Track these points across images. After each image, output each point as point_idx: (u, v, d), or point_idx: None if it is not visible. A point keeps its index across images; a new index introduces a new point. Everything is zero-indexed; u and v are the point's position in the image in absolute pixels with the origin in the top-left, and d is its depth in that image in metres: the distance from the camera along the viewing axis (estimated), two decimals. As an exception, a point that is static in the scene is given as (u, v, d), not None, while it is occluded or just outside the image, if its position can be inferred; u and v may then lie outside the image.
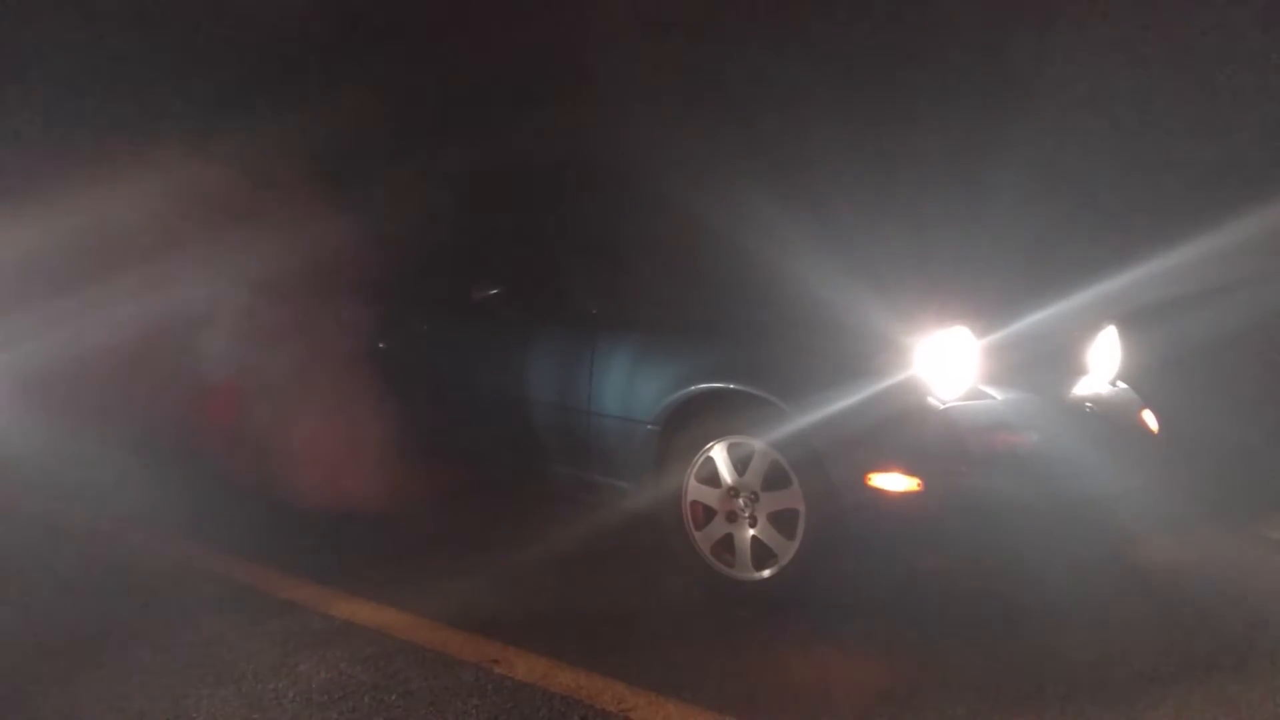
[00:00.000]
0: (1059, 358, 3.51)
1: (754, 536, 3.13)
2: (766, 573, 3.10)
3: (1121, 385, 3.64)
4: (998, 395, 3.19)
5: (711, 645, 2.89)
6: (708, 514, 3.22)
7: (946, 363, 3.06)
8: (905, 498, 2.92)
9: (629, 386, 3.43)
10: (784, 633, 2.98)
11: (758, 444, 3.09)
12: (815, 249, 3.48)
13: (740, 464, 3.14)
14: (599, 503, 3.54)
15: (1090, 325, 3.57)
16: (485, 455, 3.98)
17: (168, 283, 3.93)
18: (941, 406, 3.04)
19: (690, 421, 3.26)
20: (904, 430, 3.00)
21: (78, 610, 3.09)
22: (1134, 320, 3.77)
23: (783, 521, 3.07)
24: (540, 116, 5.16)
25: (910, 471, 2.92)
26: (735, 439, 3.16)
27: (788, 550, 3.06)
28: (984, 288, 3.49)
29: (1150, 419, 3.51)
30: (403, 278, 4.17)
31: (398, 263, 4.18)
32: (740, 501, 3.16)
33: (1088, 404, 3.43)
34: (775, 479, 3.07)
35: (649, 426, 3.35)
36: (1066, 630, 2.96)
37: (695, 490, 3.23)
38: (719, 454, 3.18)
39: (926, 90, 5.37)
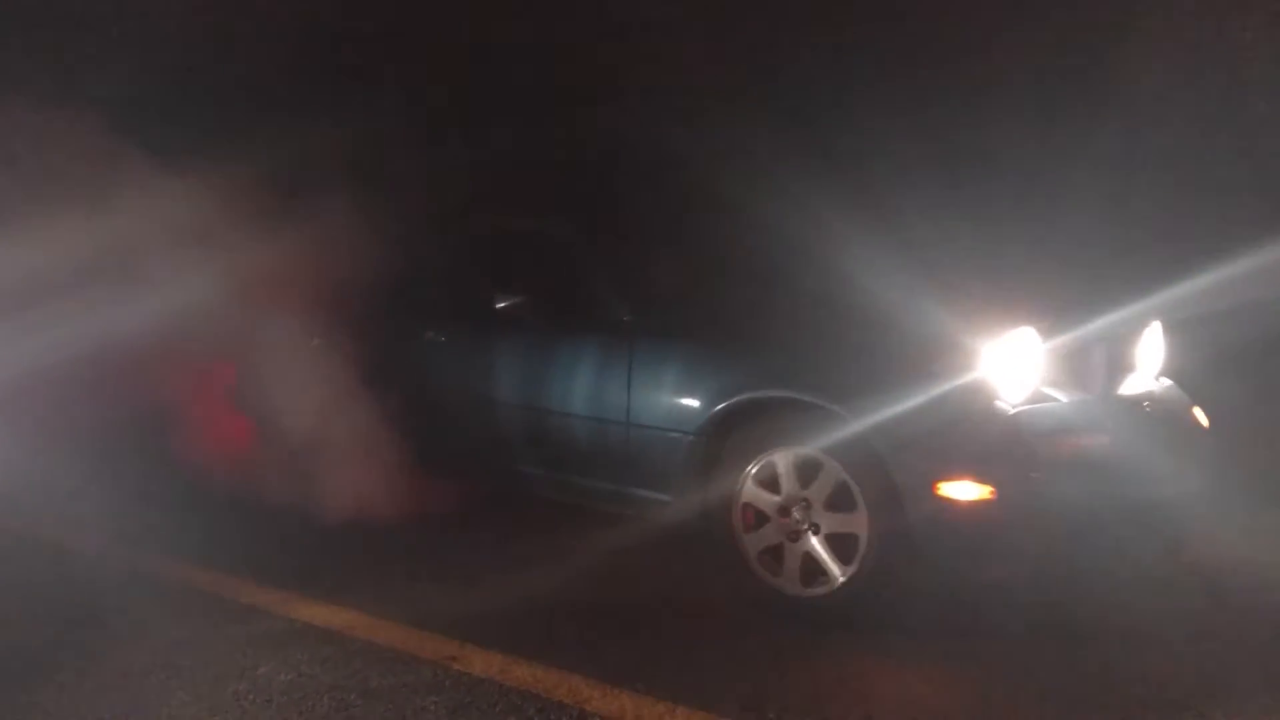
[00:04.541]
0: (1108, 356, 3.48)
1: (806, 553, 3.16)
2: (818, 590, 3.14)
3: (1167, 382, 3.67)
4: (1062, 397, 3.20)
5: (666, 638, 3.11)
6: (759, 520, 3.25)
7: (1012, 365, 3.08)
8: (976, 507, 2.92)
9: (672, 396, 3.42)
10: (741, 625, 3.17)
11: (819, 456, 3.10)
12: (869, 247, 3.51)
13: (799, 476, 3.16)
14: (636, 516, 3.59)
15: (1136, 322, 3.58)
16: (506, 470, 3.96)
17: (138, 289, 4.06)
18: (1010, 411, 3.05)
19: (742, 432, 3.28)
20: (974, 436, 3.00)
21: (36, 618, 3.32)
22: (1176, 320, 3.77)
23: (841, 544, 3.10)
24: (571, 110, 4.97)
25: (981, 479, 2.92)
26: (791, 450, 3.16)
27: (843, 573, 3.09)
28: (1047, 288, 3.55)
29: (1201, 416, 3.56)
30: (415, 284, 4.26)
31: (410, 268, 4.26)
32: (795, 515, 3.18)
33: (1145, 403, 3.46)
34: (840, 499, 3.09)
35: (695, 437, 3.35)
36: (1133, 643, 3.00)
37: (750, 493, 3.24)
38: (775, 465, 3.19)
39: (997, 88, 5.39)
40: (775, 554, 3.21)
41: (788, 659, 2.92)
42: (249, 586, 3.46)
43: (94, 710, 2.66)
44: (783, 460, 3.17)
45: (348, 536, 3.92)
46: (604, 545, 3.78)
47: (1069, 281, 3.66)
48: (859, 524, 3.03)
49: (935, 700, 2.70)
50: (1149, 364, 3.59)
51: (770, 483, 3.21)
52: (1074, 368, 3.28)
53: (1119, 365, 3.50)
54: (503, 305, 3.76)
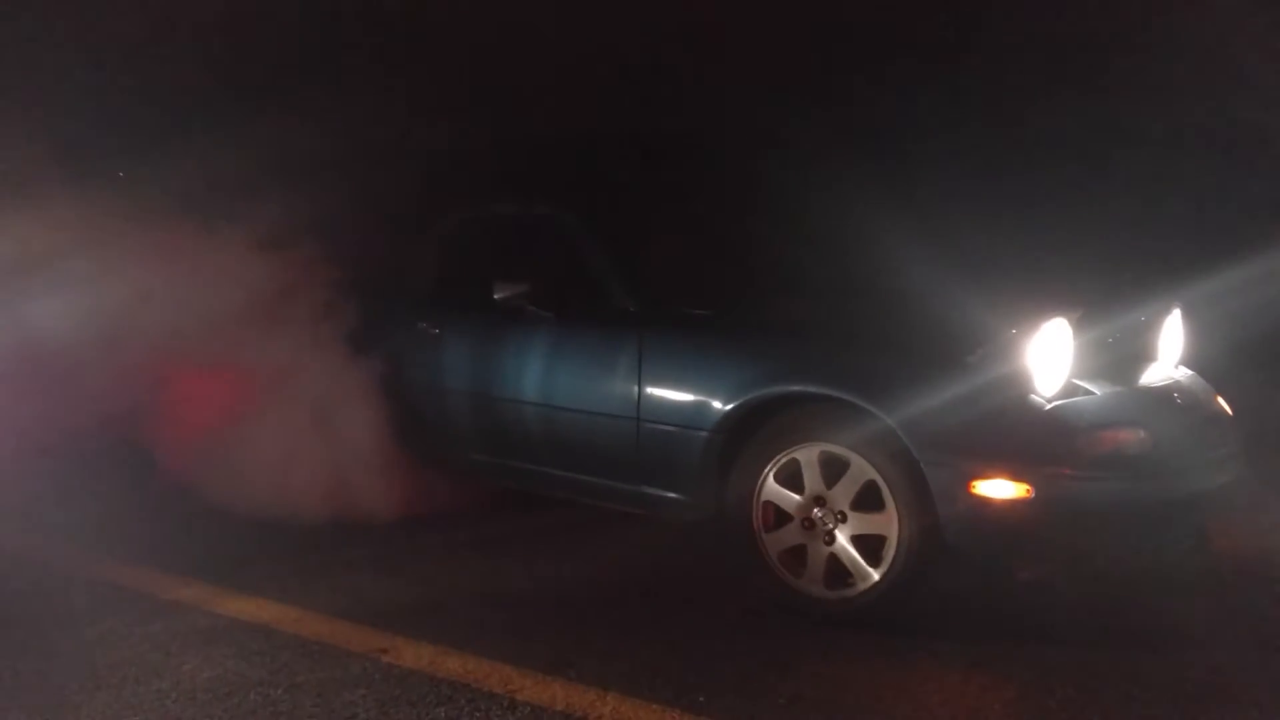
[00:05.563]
0: (1131, 345, 3.41)
1: (831, 554, 3.08)
2: (842, 592, 3.06)
3: (1188, 371, 3.58)
4: (1095, 390, 3.09)
5: (596, 625, 3.09)
6: (780, 520, 3.16)
7: (1045, 357, 2.98)
8: (1012, 505, 2.84)
9: (686, 392, 3.32)
10: (669, 610, 3.17)
11: (846, 453, 3.02)
12: (897, 237, 3.44)
13: (824, 475, 3.07)
14: (649, 517, 3.51)
15: (1157, 310, 3.50)
16: (508, 467, 3.84)
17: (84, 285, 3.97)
18: (1046, 405, 2.95)
19: (763, 428, 3.18)
20: (1009, 432, 2.91)
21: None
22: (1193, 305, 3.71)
23: (868, 546, 3.02)
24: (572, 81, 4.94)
25: (1018, 477, 2.84)
26: (817, 447, 3.07)
27: (870, 575, 3.00)
28: (1077, 278, 3.51)
29: (1224, 404, 3.47)
30: (407, 272, 4.17)
31: (401, 255, 4.19)
32: (818, 513, 3.09)
33: (1175, 394, 3.36)
34: (868, 499, 3.01)
35: (711, 434, 3.25)
36: (1173, 641, 2.95)
37: (771, 492, 3.15)
38: (799, 462, 3.10)
39: (1030, 81, 5.37)
40: (797, 554, 3.12)
41: (741, 649, 2.89)
42: (173, 582, 3.41)
43: (9, 714, 2.60)
44: (806, 458, 3.08)
45: (278, 531, 3.84)
46: (544, 533, 3.79)
47: (1099, 271, 3.62)
48: (888, 525, 2.96)
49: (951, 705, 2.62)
50: (1170, 353, 3.51)
51: (793, 481, 3.11)
52: (1099, 357, 3.17)
53: (1138, 353, 3.42)
54: (501, 295, 3.64)
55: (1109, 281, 3.62)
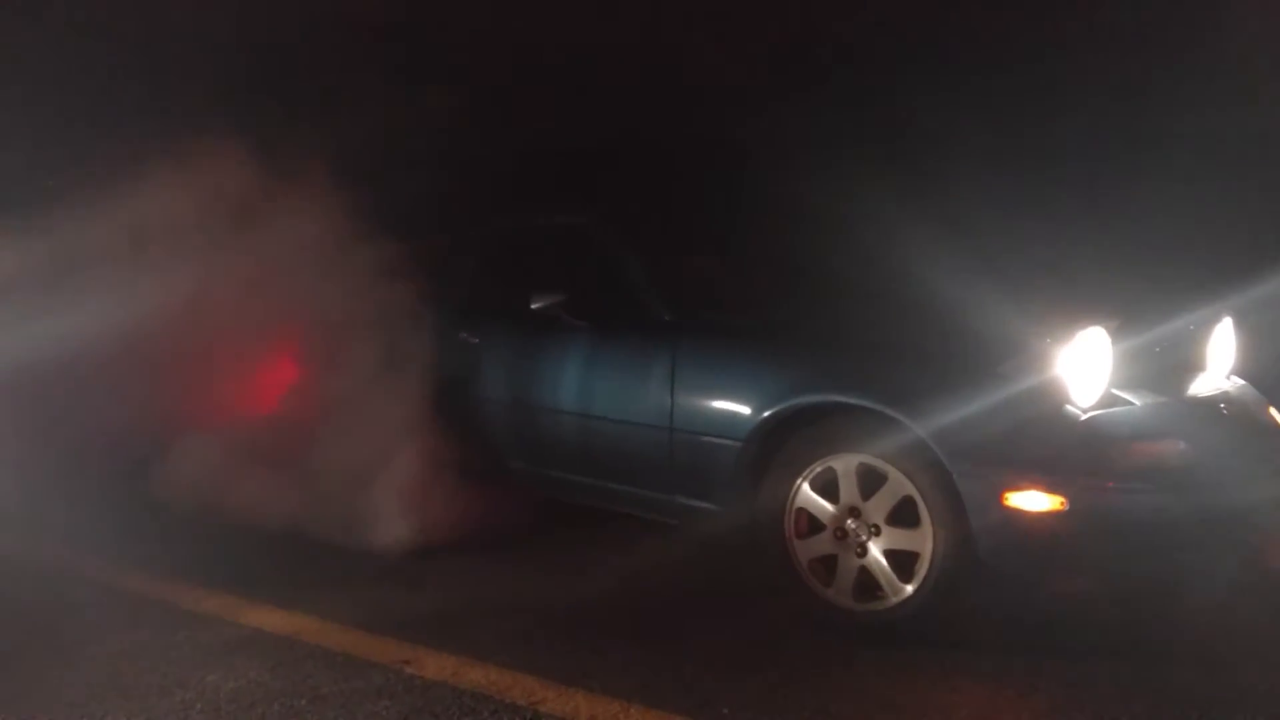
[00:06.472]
0: (1178, 355, 3.38)
1: (862, 567, 3.07)
2: (873, 605, 3.04)
3: (1240, 381, 3.52)
4: (1135, 400, 3.06)
5: (619, 637, 3.08)
6: (813, 529, 3.14)
7: (1082, 367, 2.95)
8: (1047, 518, 2.81)
9: (719, 401, 3.33)
10: (692, 622, 3.17)
11: (879, 464, 3.01)
12: (931, 245, 3.42)
13: (859, 486, 3.05)
14: (682, 527, 3.53)
15: (1207, 319, 3.46)
16: (543, 476, 3.88)
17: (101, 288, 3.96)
18: (1082, 415, 2.93)
19: (795, 438, 3.18)
20: (1043, 443, 2.89)
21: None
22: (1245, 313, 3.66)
23: (901, 560, 3.01)
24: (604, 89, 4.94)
25: (1052, 489, 2.81)
26: (851, 458, 3.06)
27: (903, 589, 2.98)
28: (1116, 285, 3.48)
29: (1277, 415, 3.42)
30: (446, 282, 4.18)
31: (440, 266, 4.20)
32: (851, 524, 3.07)
33: (1221, 404, 3.31)
34: (902, 512, 2.98)
35: (744, 444, 3.25)
36: (1216, 661, 2.90)
37: (806, 500, 3.13)
38: (833, 472, 3.09)
39: (1064, 84, 5.34)
40: (827, 564, 3.11)
41: (765, 661, 2.87)
42: (197, 593, 3.43)
43: (35, 724, 2.65)
44: (841, 468, 3.07)
45: (301, 542, 3.86)
46: (567, 544, 3.79)
47: (1138, 279, 3.56)
48: (922, 538, 2.94)
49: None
50: (1220, 362, 3.46)
51: (827, 491, 3.10)
52: (1141, 367, 3.13)
53: (1185, 363, 3.38)
54: (538, 305, 3.68)
55: (1150, 289, 3.56)
